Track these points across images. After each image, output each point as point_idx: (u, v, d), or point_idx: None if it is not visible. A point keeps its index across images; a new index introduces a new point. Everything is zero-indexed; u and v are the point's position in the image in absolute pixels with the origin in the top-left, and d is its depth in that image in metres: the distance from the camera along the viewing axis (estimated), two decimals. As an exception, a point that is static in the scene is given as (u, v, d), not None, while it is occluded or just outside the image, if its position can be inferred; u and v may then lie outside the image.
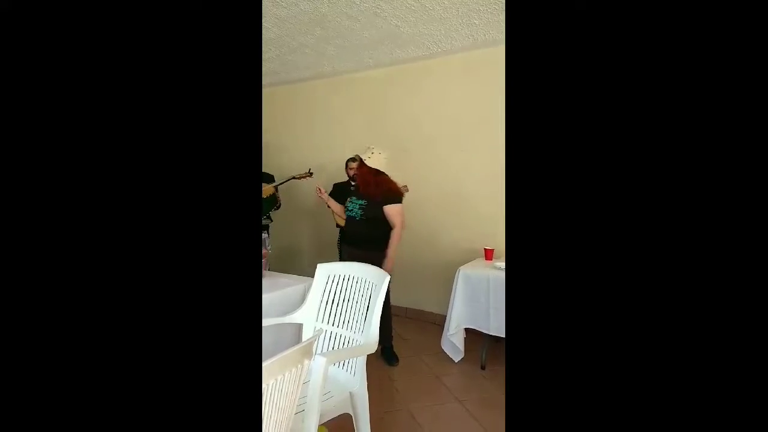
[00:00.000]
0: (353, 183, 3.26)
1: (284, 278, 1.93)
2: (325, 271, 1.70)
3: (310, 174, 3.09)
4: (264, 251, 1.92)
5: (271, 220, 3.09)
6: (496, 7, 2.39)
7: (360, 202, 2.35)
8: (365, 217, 2.32)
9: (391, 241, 2.31)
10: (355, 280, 1.61)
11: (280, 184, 2.95)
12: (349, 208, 2.40)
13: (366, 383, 1.44)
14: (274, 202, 3.02)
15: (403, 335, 2.63)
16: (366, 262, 1.67)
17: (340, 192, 3.22)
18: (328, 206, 2.61)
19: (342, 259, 2.47)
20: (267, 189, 2.95)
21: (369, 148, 2.41)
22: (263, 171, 3.07)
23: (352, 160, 3.25)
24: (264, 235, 1.95)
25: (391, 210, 2.30)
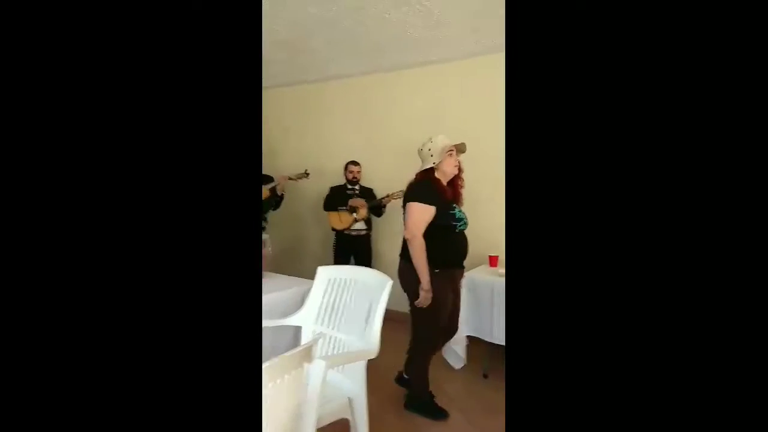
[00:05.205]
0: (350, 186, 3.20)
1: (284, 280, 1.90)
2: (326, 274, 1.68)
3: (306, 174, 3.08)
4: (264, 251, 1.90)
5: (267, 221, 3.05)
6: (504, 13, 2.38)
7: (462, 211, 1.88)
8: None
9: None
10: (356, 284, 1.59)
11: (273, 186, 2.94)
12: (463, 220, 1.85)
13: (366, 389, 1.42)
14: (269, 204, 3.00)
15: (404, 342, 2.59)
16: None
17: (338, 196, 3.18)
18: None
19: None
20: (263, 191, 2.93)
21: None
22: (263, 173, 3.04)
23: (353, 163, 3.22)
24: (265, 236, 1.93)
25: None
